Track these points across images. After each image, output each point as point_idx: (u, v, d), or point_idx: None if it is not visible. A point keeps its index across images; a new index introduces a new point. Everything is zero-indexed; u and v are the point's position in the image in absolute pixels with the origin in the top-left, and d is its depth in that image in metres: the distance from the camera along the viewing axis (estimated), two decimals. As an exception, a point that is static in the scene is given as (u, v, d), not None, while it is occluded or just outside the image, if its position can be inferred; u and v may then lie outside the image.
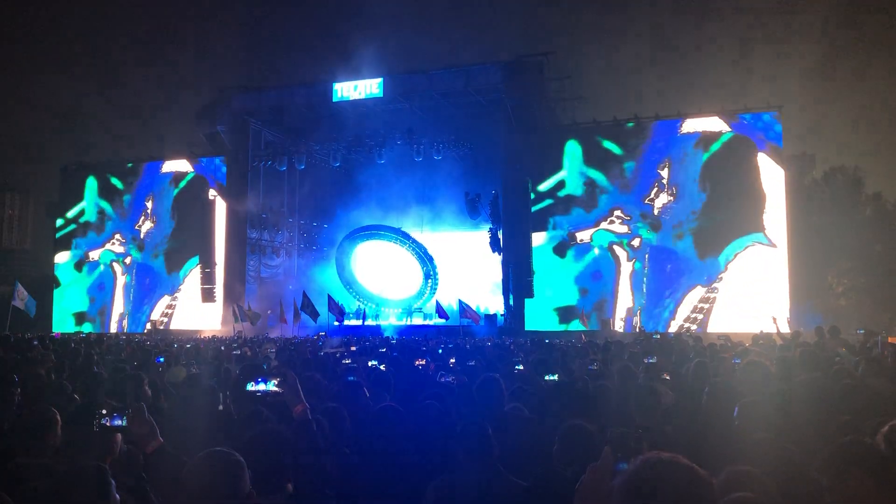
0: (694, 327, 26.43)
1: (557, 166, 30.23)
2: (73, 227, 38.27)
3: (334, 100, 30.91)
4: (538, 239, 30.09)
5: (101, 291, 37.13)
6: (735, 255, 27.33)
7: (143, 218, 36.91)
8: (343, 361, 9.08)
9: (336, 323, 29.81)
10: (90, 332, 29.88)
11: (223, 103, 33.25)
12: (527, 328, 27.98)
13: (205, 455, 2.47)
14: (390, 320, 33.51)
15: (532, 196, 30.24)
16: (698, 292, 27.82)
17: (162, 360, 9.73)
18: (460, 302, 28.64)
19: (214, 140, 34.70)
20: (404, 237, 34.96)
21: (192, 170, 36.43)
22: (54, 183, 40.62)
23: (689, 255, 28.19)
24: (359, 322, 31.98)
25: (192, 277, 35.29)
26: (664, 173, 28.82)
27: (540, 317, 29.22)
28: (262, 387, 4.57)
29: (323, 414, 4.14)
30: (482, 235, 31.03)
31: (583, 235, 29.73)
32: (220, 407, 5.14)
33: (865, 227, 30.98)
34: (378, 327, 30.80)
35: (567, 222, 30.00)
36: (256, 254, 33.68)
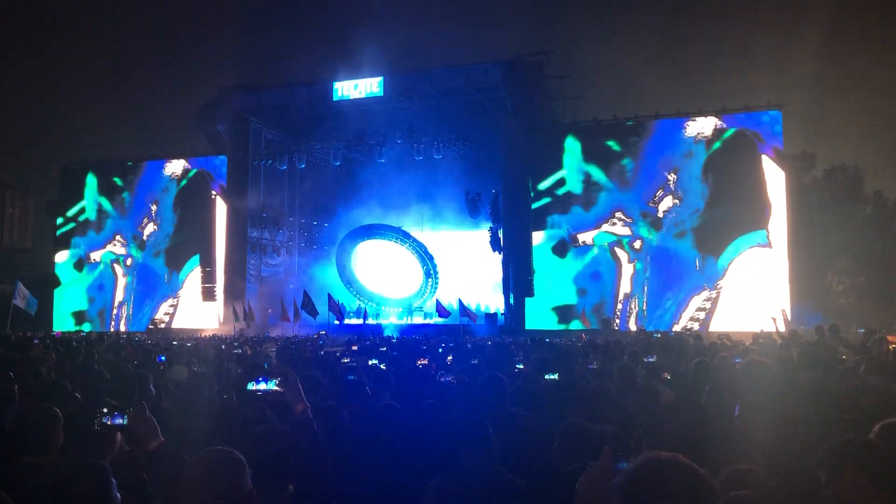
0: (696, 327, 26.41)
1: (558, 165, 30.22)
2: (72, 225, 38.28)
3: (334, 99, 30.93)
4: (536, 238, 30.08)
5: (101, 291, 37.14)
6: (738, 255, 27.33)
7: (145, 219, 36.92)
8: (342, 360, 9.08)
9: (336, 322, 29.84)
10: (91, 331, 29.90)
11: (224, 102, 33.26)
12: (527, 327, 27.99)
13: (206, 454, 2.48)
14: (391, 319, 33.53)
15: (532, 195, 30.25)
16: (699, 292, 27.82)
17: (163, 358, 9.73)
18: (459, 302, 28.70)
19: (215, 139, 34.72)
20: (404, 236, 34.96)
21: (193, 169, 36.43)
22: (55, 182, 40.65)
23: (690, 254, 28.19)
24: (360, 321, 32.01)
25: (192, 276, 35.29)
26: (672, 177, 28.78)
27: (540, 316, 29.22)
28: (262, 386, 4.58)
29: (322, 413, 4.14)
30: (482, 234, 31.03)
31: (585, 237, 29.71)
32: (222, 406, 5.15)
33: (865, 225, 30.98)
34: (379, 326, 30.83)
35: (565, 221, 29.98)
36: (257, 253, 33.71)
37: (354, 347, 12.94)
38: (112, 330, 33.78)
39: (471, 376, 7.21)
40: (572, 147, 30.18)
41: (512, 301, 28.96)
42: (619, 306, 28.82)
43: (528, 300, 29.01)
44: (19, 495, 2.79)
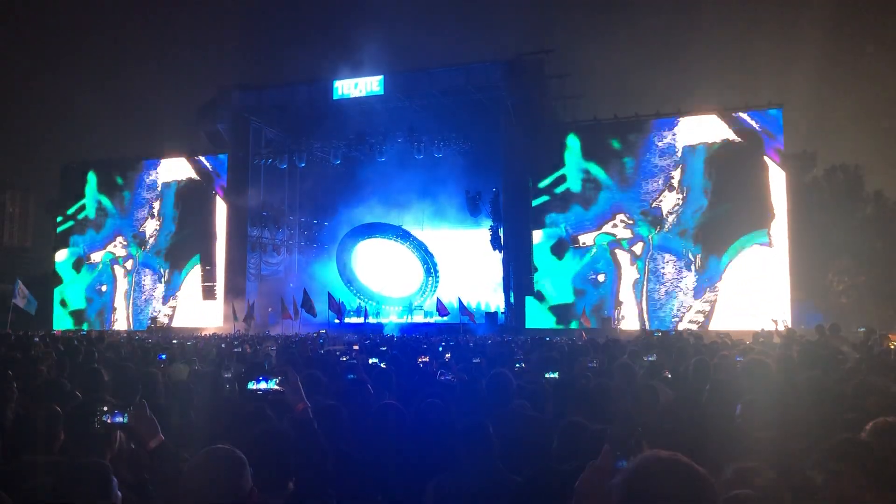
0: (695, 327, 26.39)
1: (558, 164, 30.19)
2: (71, 223, 38.27)
3: (335, 97, 30.92)
4: (535, 237, 30.05)
5: (102, 290, 37.13)
6: (739, 255, 27.32)
7: (146, 218, 36.91)
8: (342, 359, 9.09)
9: (336, 321, 29.87)
10: (91, 330, 29.90)
11: (224, 101, 33.27)
12: (527, 326, 27.99)
13: (206, 452, 2.48)
14: (391, 318, 33.57)
15: (532, 193, 30.23)
16: (701, 292, 27.81)
17: (164, 357, 9.74)
18: (459, 300, 28.74)
19: (215, 138, 34.72)
20: (405, 235, 34.99)
21: (193, 168, 36.41)
22: (55, 180, 40.64)
23: (691, 254, 28.16)
24: (360, 320, 32.05)
25: (193, 275, 35.28)
26: (672, 176, 28.75)
27: (540, 315, 29.22)
28: (263, 385, 4.58)
29: (322, 412, 4.15)
30: (483, 233, 31.04)
31: (585, 238, 29.68)
32: (222, 405, 5.15)
33: (866, 224, 30.97)
34: (379, 325, 30.86)
35: (564, 219, 29.95)
36: (257, 251, 33.72)
37: (356, 347, 12.94)
38: (113, 328, 33.80)
39: (471, 375, 7.22)
40: (573, 146, 30.16)
41: (512, 300, 28.97)
42: (620, 306, 28.80)
43: (527, 299, 29.01)
44: (20, 494, 2.80)
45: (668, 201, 28.78)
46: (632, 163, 29.39)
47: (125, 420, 3.30)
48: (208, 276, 34.24)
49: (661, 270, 28.51)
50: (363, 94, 30.50)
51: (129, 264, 36.74)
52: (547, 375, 6.76)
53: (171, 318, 35.13)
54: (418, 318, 32.85)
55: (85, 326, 35.21)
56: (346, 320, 31.20)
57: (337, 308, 29.77)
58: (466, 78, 29.50)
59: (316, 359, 9.24)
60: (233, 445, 2.55)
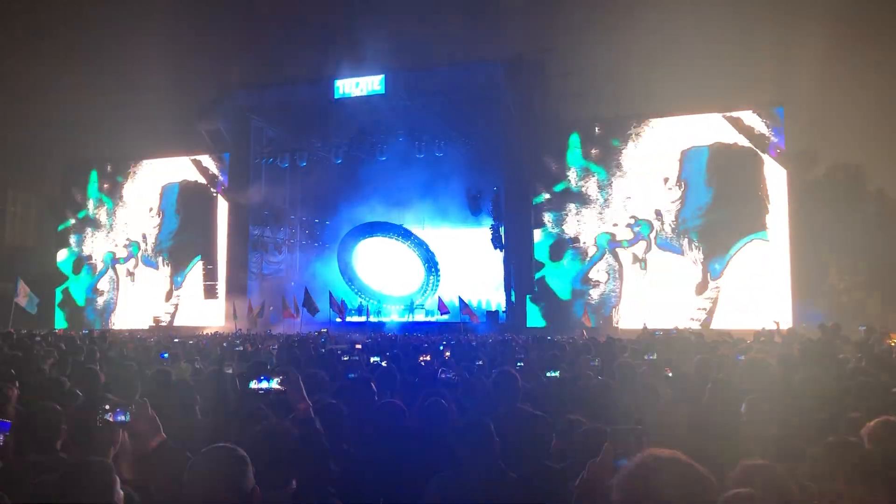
0: (697, 325, 26.38)
1: (560, 163, 30.20)
2: (72, 221, 38.31)
3: (336, 96, 30.91)
4: (536, 236, 30.04)
5: (103, 289, 37.17)
6: (738, 251, 27.33)
7: (147, 217, 36.94)
8: (343, 358, 9.09)
9: (338, 319, 29.89)
10: (93, 329, 29.92)
11: (225, 100, 33.28)
12: (528, 325, 27.99)
13: (208, 451, 2.49)
14: (392, 317, 33.59)
15: (532, 192, 30.22)
16: (703, 291, 27.79)
17: (166, 356, 9.75)
18: (460, 299, 28.74)
19: (216, 137, 34.72)
20: (406, 234, 35.00)
21: (194, 167, 36.43)
22: (57, 180, 40.65)
23: (692, 253, 28.15)
24: (363, 318, 32.08)
25: (195, 274, 35.31)
26: (674, 176, 28.74)
27: (541, 314, 29.22)
28: (264, 385, 4.58)
29: (324, 410, 4.15)
30: (484, 232, 31.05)
31: (587, 238, 29.67)
32: (224, 403, 5.16)
33: (868, 223, 30.88)
34: (380, 324, 30.87)
35: (566, 219, 29.93)
36: (258, 250, 33.73)
37: (359, 346, 12.95)
38: (115, 327, 33.82)
39: (472, 373, 7.23)
40: (574, 145, 30.16)
41: (513, 299, 28.97)
42: (621, 305, 28.79)
43: (528, 298, 29.00)
44: (22, 493, 2.80)
45: (670, 201, 28.77)
46: (633, 162, 29.39)
47: (127, 418, 3.30)
48: (210, 275, 34.26)
49: (662, 270, 28.50)
50: (364, 93, 30.49)
51: (130, 264, 36.77)
52: (548, 374, 6.77)
53: (173, 316, 35.17)
54: (419, 317, 32.87)
55: (88, 324, 35.25)
56: (348, 319, 31.22)
57: (339, 307, 29.78)
58: (468, 77, 29.46)
59: (318, 358, 9.25)
60: (235, 444, 2.56)
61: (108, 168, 38.23)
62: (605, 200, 29.65)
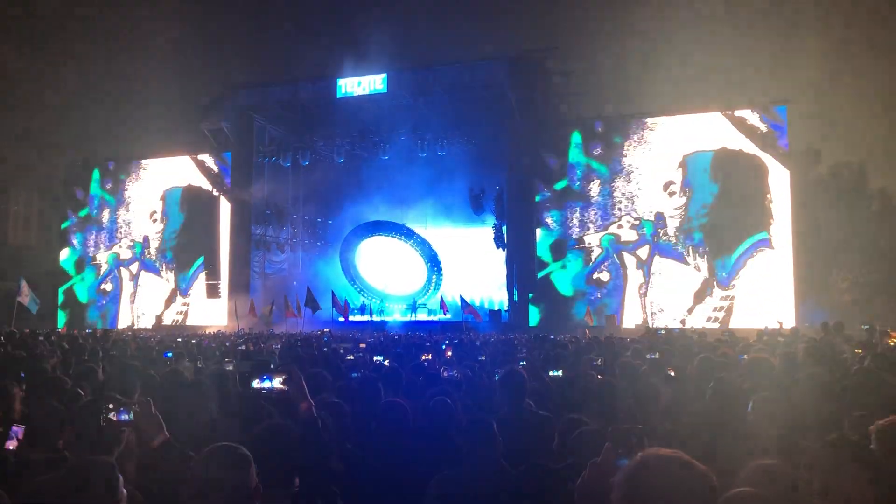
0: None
1: (562, 161, 30.18)
2: (72, 220, 38.37)
3: (338, 95, 30.93)
4: (537, 235, 30.02)
5: (106, 288, 37.23)
6: (744, 253, 27.24)
7: (150, 216, 36.97)
8: (347, 358, 9.11)
9: (341, 319, 29.90)
10: (96, 328, 29.96)
11: (228, 99, 33.31)
12: (530, 324, 27.99)
13: (211, 449, 2.49)
14: (395, 316, 33.61)
15: (535, 191, 30.21)
16: (705, 291, 27.73)
17: (170, 355, 9.77)
18: (462, 298, 28.75)
19: (219, 136, 34.76)
20: (409, 233, 35.01)
21: (197, 166, 36.47)
22: (60, 179, 40.72)
23: (695, 253, 28.10)
24: (366, 318, 32.11)
25: (200, 274, 35.32)
26: (677, 175, 28.68)
27: (543, 313, 29.21)
28: (267, 384, 4.59)
29: (327, 409, 4.16)
30: (486, 231, 31.05)
31: (590, 239, 29.63)
32: (227, 402, 5.16)
33: (871, 222, 30.80)
34: (383, 323, 30.89)
35: (568, 218, 29.91)
36: (261, 250, 33.75)
37: (363, 346, 12.98)
38: (117, 326, 33.89)
39: (475, 371, 7.24)
40: (576, 143, 30.14)
41: (516, 298, 28.96)
42: (624, 304, 28.77)
43: (530, 297, 29.00)
44: (25, 492, 2.81)
45: (673, 200, 28.73)
46: (636, 161, 29.36)
47: (130, 417, 3.31)
48: (212, 274, 34.29)
49: (665, 269, 28.47)
50: (367, 91, 30.52)
51: (133, 266, 36.82)
52: (551, 373, 6.77)
53: (185, 316, 35.09)
54: (422, 316, 32.88)
55: (90, 323, 35.30)
56: (351, 318, 31.25)
57: (342, 306, 29.79)
58: (470, 75, 29.46)
59: (320, 357, 9.26)
60: (238, 443, 2.56)
61: (111, 167, 38.26)
62: (607, 199, 29.61)
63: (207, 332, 24.71)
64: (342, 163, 32.77)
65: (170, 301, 35.88)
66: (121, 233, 37.50)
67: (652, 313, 28.25)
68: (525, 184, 29.54)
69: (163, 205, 36.87)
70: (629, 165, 29.44)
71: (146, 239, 36.81)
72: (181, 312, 35.29)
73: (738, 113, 28.14)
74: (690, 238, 28.18)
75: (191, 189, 36.29)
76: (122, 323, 35.67)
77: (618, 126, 29.93)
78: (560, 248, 29.76)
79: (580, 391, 5.43)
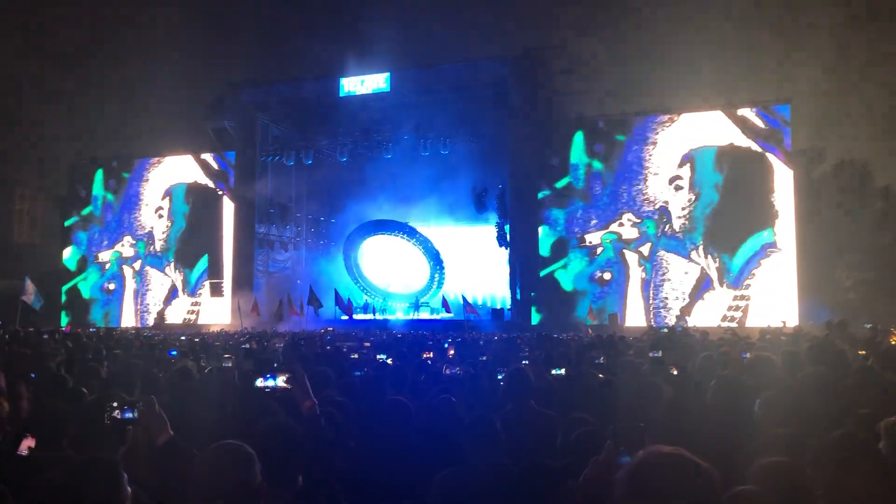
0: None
1: (564, 160, 30.15)
2: (76, 219, 38.42)
3: (341, 94, 30.95)
4: (540, 233, 29.97)
5: (109, 287, 37.28)
6: (748, 252, 27.17)
7: (153, 215, 36.99)
8: (351, 356, 9.13)
9: (344, 317, 29.94)
10: (100, 327, 30.03)
11: (231, 98, 33.34)
12: (532, 323, 27.98)
13: (215, 448, 2.50)
14: (397, 314, 33.65)
15: (538, 189, 30.18)
16: (709, 290, 27.68)
17: (175, 353, 9.80)
18: (463, 297, 28.78)
19: (222, 135, 34.78)
20: (411, 231, 35.02)
21: (200, 165, 36.48)
22: (63, 178, 40.81)
23: (698, 251, 28.05)
24: (369, 316, 32.15)
25: (206, 273, 35.34)
26: (680, 173, 28.61)
27: (544, 312, 29.18)
28: (270, 382, 4.60)
29: (330, 407, 4.17)
30: (489, 230, 31.05)
31: (592, 237, 29.59)
32: (231, 400, 5.18)
33: (875, 220, 30.74)
34: (385, 321, 30.92)
35: (570, 216, 29.87)
36: (264, 248, 33.79)
37: (367, 344, 13.02)
38: (121, 325, 33.95)
39: (476, 370, 7.24)
40: (579, 142, 30.10)
41: (518, 296, 28.95)
42: (626, 303, 28.73)
43: (532, 295, 28.97)
44: (29, 490, 2.83)
45: (675, 199, 28.68)
46: (638, 160, 29.30)
47: (135, 416, 3.32)
48: (215, 273, 34.32)
49: (668, 269, 28.42)
50: (370, 90, 30.55)
51: (136, 264, 36.85)
52: (553, 372, 6.77)
53: (197, 314, 35.07)
54: (424, 315, 32.90)
55: (95, 322, 35.37)
56: (354, 317, 31.29)
57: (345, 305, 29.83)
58: (473, 74, 29.47)
59: (324, 355, 9.29)
60: (241, 441, 2.58)
61: (114, 165, 38.30)
62: (610, 197, 29.56)
63: (211, 331, 24.75)
64: (345, 161, 32.78)
65: (170, 298, 35.87)
66: (124, 233, 37.52)
67: (654, 311, 28.21)
68: (527, 182, 29.51)
69: (167, 204, 36.87)
70: (631, 164, 29.38)
71: (150, 237, 36.83)
72: (192, 312, 35.27)
73: (741, 111, 28.06)
74: (694, 234, 28.10)
75: (194, 188, 36.28)
76: (126, 321, 35.72)
77: (620, 124, 29.87)
78: (562, 247, 29.72)
79: (582, 390, 5.44)
